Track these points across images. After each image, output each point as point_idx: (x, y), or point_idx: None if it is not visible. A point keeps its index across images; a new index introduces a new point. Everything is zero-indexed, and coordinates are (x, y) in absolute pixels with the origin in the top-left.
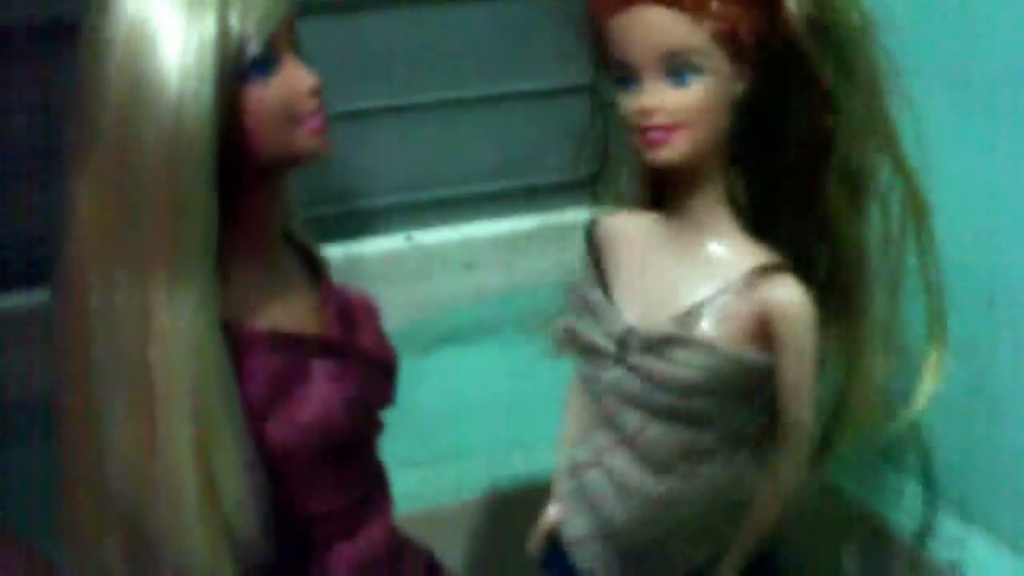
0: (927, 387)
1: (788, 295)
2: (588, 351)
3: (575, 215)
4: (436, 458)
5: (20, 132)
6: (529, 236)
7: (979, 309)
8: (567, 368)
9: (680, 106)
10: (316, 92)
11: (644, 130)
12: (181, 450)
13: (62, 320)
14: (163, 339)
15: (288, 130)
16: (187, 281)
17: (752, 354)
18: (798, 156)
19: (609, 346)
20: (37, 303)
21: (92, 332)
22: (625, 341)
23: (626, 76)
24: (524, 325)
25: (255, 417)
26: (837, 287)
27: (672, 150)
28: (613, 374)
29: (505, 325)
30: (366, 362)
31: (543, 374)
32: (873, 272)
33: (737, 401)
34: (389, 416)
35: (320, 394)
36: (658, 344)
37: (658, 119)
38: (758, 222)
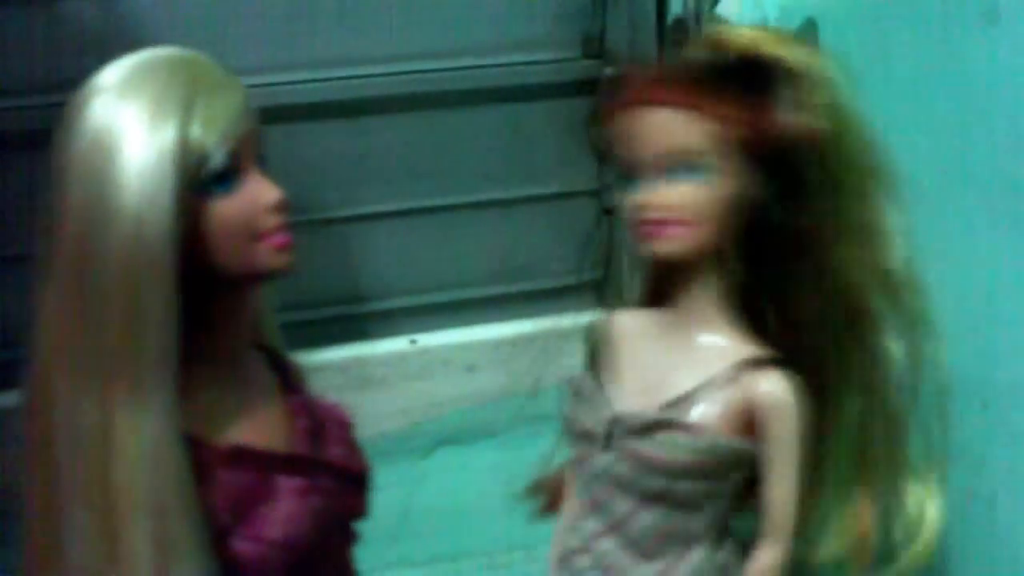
0: (928, 526)
1: (773, 387)
2: (580, 437)
3: (576, 319)
4: (436, 559)
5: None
6: (530, 340)
7: (974, 411)
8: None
9: (677, 202)
10: (280, 208)
11: (642, 223)
12: (141, 565)
13: (28, 430)
14: (124, 454)
15: (250, 246)
16: (148, 394)
17: (738, 442)
18: (789, 260)
19: (599, 431)
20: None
21: (56, 444)
22: (614, 426)
23: (629, 175)
24: (525, 427)
25: (220, 532)
26: (826, 416)
27: (668, 243)
28: (602, 459)
29: (506, 427)
30: (335, 475)
31: (542, 476)
32: (877, 401)
33: (724, 487)
34: (390, 517)
35: (287, 511)
36: (645, 428)
37: (656, 213)
38: (752, 318)
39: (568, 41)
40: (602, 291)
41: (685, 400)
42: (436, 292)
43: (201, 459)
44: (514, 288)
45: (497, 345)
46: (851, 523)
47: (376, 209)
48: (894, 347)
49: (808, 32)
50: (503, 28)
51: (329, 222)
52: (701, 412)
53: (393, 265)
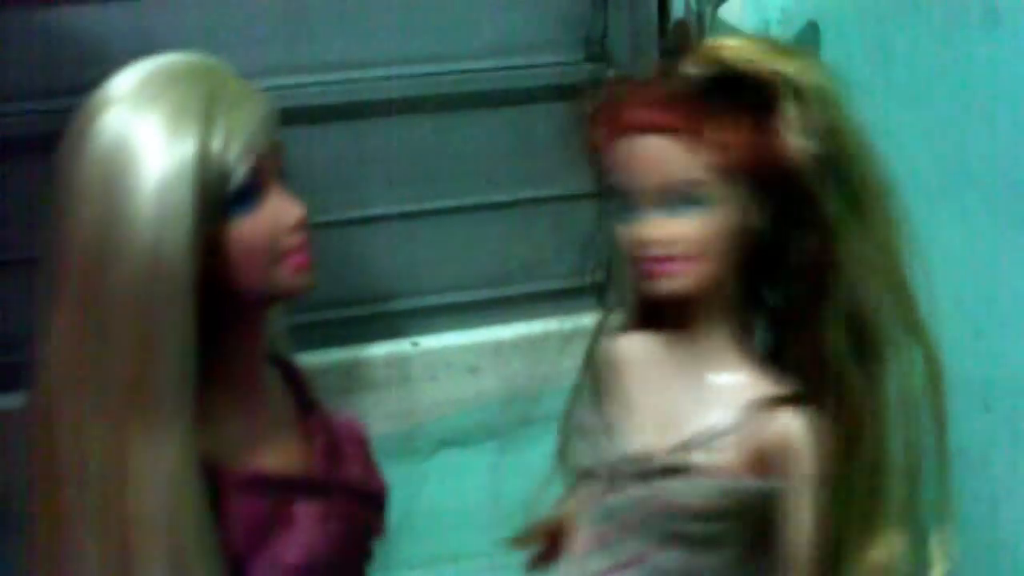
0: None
1: (789, 426)
2: (585, 476)
3: (579, 321)
4: (437, 560)
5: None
6: (532, 342)
7: (975, 413)
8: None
9: (678, 237)
10: (301, 226)
11: (644, 261)
12: None
13: (32, 460)
14: (139, 484)
15: (271, 267)
16: (164, 422)
17: (751, 483)
18: (802, 288)
19: (604, 472)
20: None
21: (63, 475)
22: (622, 469)
23: (626, 203)
24: (526, 430)
25: (237, 559)
26: (844, 442)
27: (673, 281)
28: (609, 502)
29: (507, 429)
30: (353, 495)
31: (544, 477)
32: (878, 435)
33: (740, 527)
34: (391, 518)
35: (304, 537)
36: (655, 472)
37: (657, 250)
38: (768, 353)
39: (570, 44)
40: (603, 294)
41: (698, 441)
42: (438, 294)
43: (219, 486)
44: (516, 290)
45: (499, 347)
46: (870, 562)
47: (378, 212)
48: (906, 374)
49: (810, 35)
50: (505, 31)
51: (331, 225)
52: (715, 454)
53: (395, 267)
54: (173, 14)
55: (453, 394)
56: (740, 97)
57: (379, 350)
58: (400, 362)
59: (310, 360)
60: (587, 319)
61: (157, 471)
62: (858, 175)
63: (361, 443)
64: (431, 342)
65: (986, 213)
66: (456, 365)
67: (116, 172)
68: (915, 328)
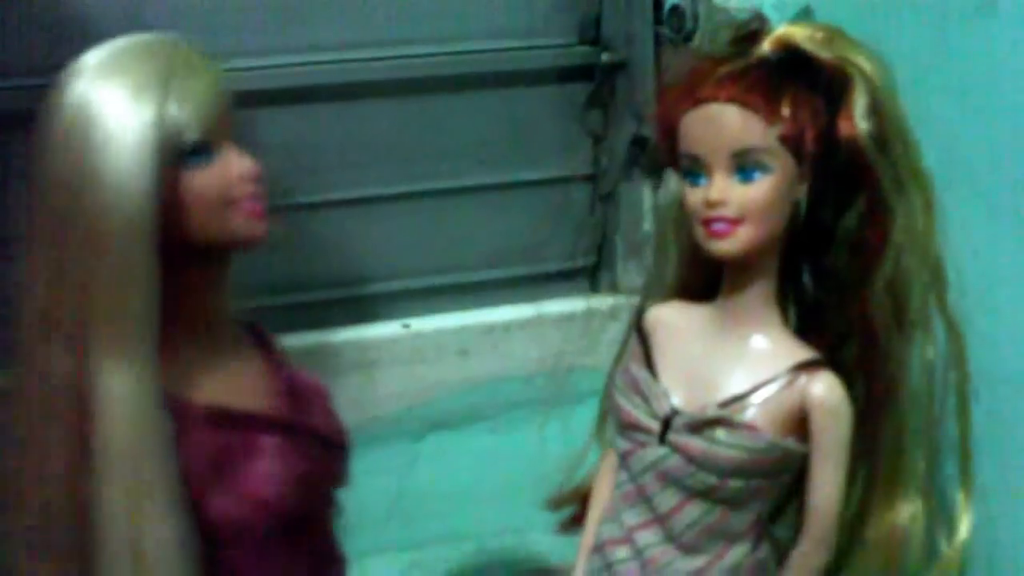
0: (961, 531)
1: (827, 389)
2: (632, 429)
3: (569, 304)
4: (427, 542)
5: None
6: (523, 325)
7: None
8: (558, 454)
9: (745, 201)
10: (253, 177)
11: (708, 221)
12: (115, 515)
13: (15, 390)
14: (101, 409)
15: (225, 214)
16: (127, 352)
17: (791, 442)
18: (851, 260)
19: (654, 425)
20: None
21: (36, 403)
22: (670, 421)
23: (694, 170)
24: (516, 412)
25: (197, 490)
26: (874, 410)
27: (734, 242)
28: (655, 452)
29: (497, 412)
30: (316, 440)
31: (534, 460)
32: (907, 405)
33: (771, 486)
34: (382, 501)
35: (267, 469)
36: (703, 426)
37: (724, 212)
38: (803, 318)
39: (565, 27)
40: (596, 276)
41: (741, 400)
42: (430, 276)
43: (181, 417)
44: (508, 273)
45: (490, 329)
46: (884, 530)
47: (370, 193)
48: (931, 351)
49: (804, 20)
50: (500, 13)
51: (323, 205)
52: (757, 412)
53: (387, 249)
54: None
55: (444, 376)
56: (809, 79)
57: (370, 332)
58: (391, 344)
59: (302, 341)
60: (578, 302)
61: (119, 396)
62: (904, 158)
63: (323, 395)
64: (422, 324)
65: (979, 205)
66: (447, 347)
67: (84, 133)
68: (944, 309)
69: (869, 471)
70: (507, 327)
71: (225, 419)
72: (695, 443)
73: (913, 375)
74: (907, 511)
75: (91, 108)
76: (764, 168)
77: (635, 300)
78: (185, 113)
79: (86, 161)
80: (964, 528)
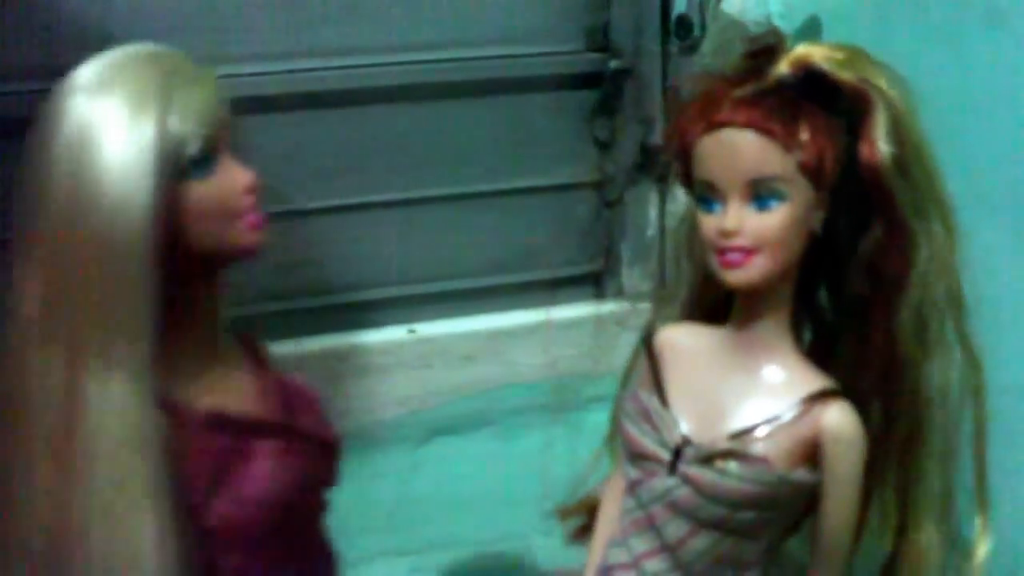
0: (979, 556)
1: (840, 420)
2: (641, 458)
3: (575, 310)
4: (430, 547)
5: None
6: (529, 330)
7: (968, 412)
8: (565, 460)
9: (761, 230)
10: (253, 189)
11: (723, 251)
12: (94, 519)
13: (5, 402)
14: (91, 417)
15: (225, 225)
16: (116, 358)
17: (803, 474)
18: (872, 286)
19: (664, 455)
20: None
21: (27, 410)
22: (681, 451)
23: (708, 196)
24: (520, 418)
25: (198, 495)
26: (892, 438)
27: (749, 272)
28: (665, 483)
29: (502, 417)
30: (308, 442)
31: (538, 466)
32: (930, 431)
33: (783, 517)
34: (385, 505)
35: (264, 471)
36: (714, 458)
37: (739, 241)
38: (818, 347)
39: (572, 33)
40: (602, 282)
41: (754, 431)
42: (435, 281)
43: (182, 424)
44: (513, 279)
45: (495, 335)
46: (903, 556)
47: (376, 198)
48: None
49: (811, 29)
50: (506, 19)
51: (329, 211)
52: (768, 445)
53: (392, 254)
54: None
55: (449, 381)
56: (828, 101)
57: (375, 336)
58: (396, 349)
59: (307, 346)
60: (584, 308)
61: (106, 400)
62: (926, 183)
63: (313, 399)
64: (427, 329)
65: (983, 214)
66: (452, 353)
67: (84, 148)
68: (963, 334)
69: (888, 497)
70: (513, 333)
71: (225, 424)
72: (706, 475)
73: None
74: (925, 537)
75: (91, 123)
76: (781, 196)
77: (641, 306)
78: (185, 126)
79: (87, 177)
80: (981, 552)
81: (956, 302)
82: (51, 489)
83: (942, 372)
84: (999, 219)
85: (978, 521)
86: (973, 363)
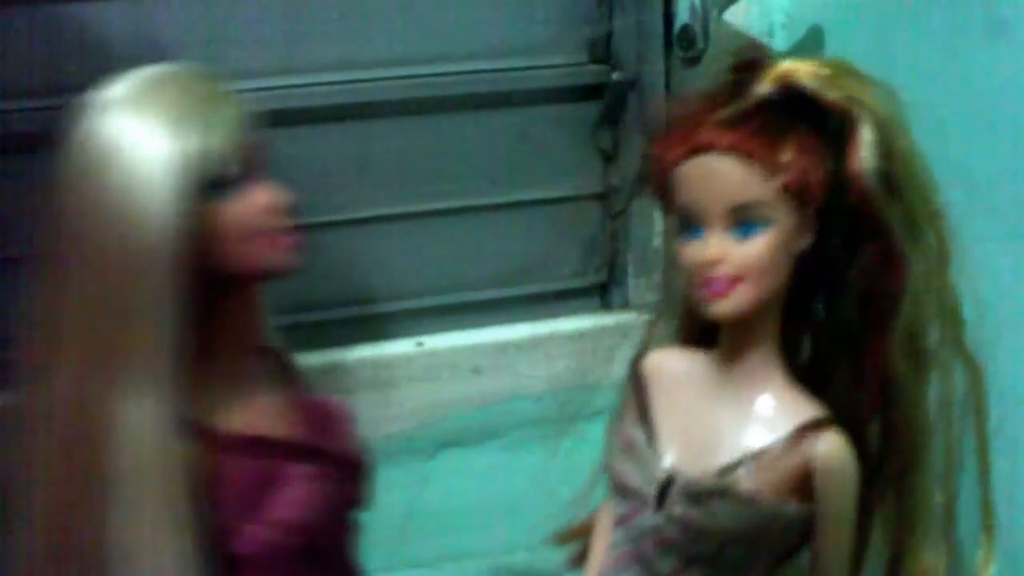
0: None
1: (832, 450)
2: (627, 494)
3: (580, 322)
4: (440, 559)
5: None
6: (535, 343)
7: (970, 420)
8: (571, 472)
9: (744, 259)
10: (282, 209)
11: (706, 281)
12: (122, 540)
13: (27, 420)
14: (112, 439)
15: (254, 246)
16: (143, 381)
17: (793, 508)
18: (863, 306)
19: (650, 492)
20: None
21: (48, 432)
22: (667, 489)
23: (690, 223)
24: (528, 430)
25: (230, 518)
26: (891, 459)
27: (733, 302)
28: (652, 520)
29: (510, 429)
30: (339, 464)
31: (547, 478)
32: (930, 450)
33: (776, 550)
34: (394, 518)
35: (298, 495)
36: (702, 495)
37: (722, 271)
38: (810, 374)
39: (574, 46)
40: (607, 294)
41: (743, 465)
42: (442, 294)
43: (214, 447)
44: (520, 291)
45: (503, 348)
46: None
47: (382, 212)
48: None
49: (813, 40)
50: (509, 32)
51: (336, 225)
52: (758, 479)
53: (400, 268)
54: (175, 13)
55: (457, 394)
56: (812, 119)
57: (383, 350)
58: (404, 362)
59: (316, 360)
60: (591, 320)
61: (132, 428)
62: (918, 200)
63: (344, 419)
64: (435, 342)
65: (985, 222)
66: (460, 365)
67: (113, 163)
68: (961, 348)
69: (888, 519)
70: (519, 345)
71: (257, 447)
72: (693, 513)
73: (930, 417)
74: (928, 557)
75: (121, 140)
76: (765, 222)
77: (646, 318)
78: (216, 146)
79: (114, 194)
80: (987, 573)
81: (952, 317)
82: (72, 509)
83: (943, 386)
84: (999, 229)
85: (984, 539)
86: (974, 377)
